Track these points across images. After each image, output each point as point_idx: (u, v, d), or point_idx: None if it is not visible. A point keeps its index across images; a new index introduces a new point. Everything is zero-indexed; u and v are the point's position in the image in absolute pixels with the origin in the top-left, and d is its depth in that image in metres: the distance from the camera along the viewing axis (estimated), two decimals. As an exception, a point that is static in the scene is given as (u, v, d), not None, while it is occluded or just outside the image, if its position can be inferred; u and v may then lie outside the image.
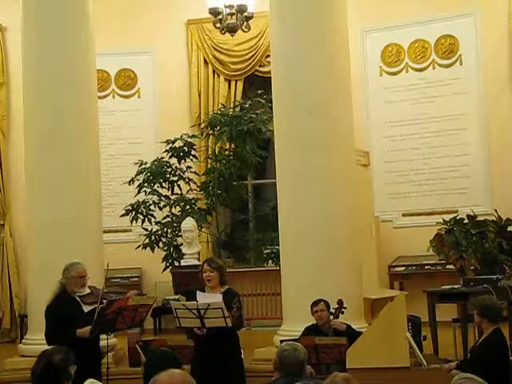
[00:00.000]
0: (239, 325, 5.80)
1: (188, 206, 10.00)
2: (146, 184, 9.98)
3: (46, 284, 7.82)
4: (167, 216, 10.00)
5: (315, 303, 6.35)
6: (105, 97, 11.48)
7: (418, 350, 5.36)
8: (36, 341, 7.59)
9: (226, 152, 10.37)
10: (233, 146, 10.31)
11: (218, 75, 11.63)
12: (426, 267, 10.33)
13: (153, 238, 9.89)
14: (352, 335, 5.91)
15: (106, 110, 10.95)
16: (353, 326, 6.41)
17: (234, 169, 9.91)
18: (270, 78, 8.41)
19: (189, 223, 8.95)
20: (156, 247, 9.91)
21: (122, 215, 10.00)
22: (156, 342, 5.94)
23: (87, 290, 5.86)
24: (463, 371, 4.47)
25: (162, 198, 10.05)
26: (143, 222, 9.96)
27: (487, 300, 5.68)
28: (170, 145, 10.06)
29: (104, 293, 5.80)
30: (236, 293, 5.88)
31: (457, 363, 5.68)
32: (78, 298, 5.77)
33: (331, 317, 6.31)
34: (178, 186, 10.15)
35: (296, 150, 7.72)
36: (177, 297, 9.10)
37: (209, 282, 5.74)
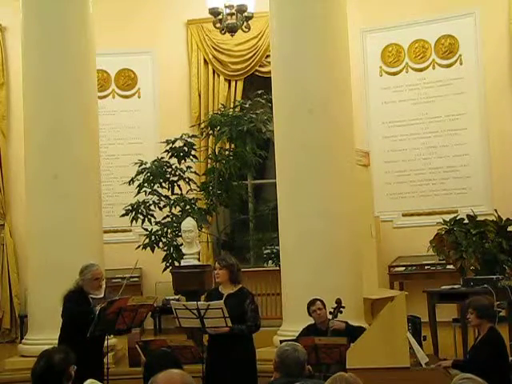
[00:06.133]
0: (255, 331, 5.74)
1: (188, 206, 9.99)
2: (146, 184, 9.96)
3: (46, 284, 7.87)
4: (167, 216, 9.99)
5: (312, 303, 6.37)
6: (105, 97, 11.47)
7: (417, 346, 5.35)
8: (36, 341, 7.62)
9: (226, 152, 10.36)
10: (233, 146, 10.30)
11: (218, 75, 11.63)
12: (426, 267, 10.32)
13: (153, 238, 9.88)
14: (352, 332, 5.92)
15: (106, 109, 10.96)
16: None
17: (233, 169, 9.91)
18: (270, 77, 8.41)
19: (189, 223, 8.94)
20: (156, 247, 9.90)
21: (122, 215, 9.99)
22: (156, 342, 5.91)
23: (102, 294, 5.94)
24: (462, 371, 4.48)
25: (162, 198, 10.03)
26: (143, 222, 9.94)
27: (485, 300, 5.66)
28: (170, 145, 10.05)
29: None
30: (248, 292, 5.75)
31: (452, 361, 5.66)
32: (91, 300, 5.87)
33: (330, 316, 6.32)
34: (178, 186, 10.14)
35: (296, 150, 7.72)
36: (177, 297, 9.11)
37: (217, 278, 5.70)
